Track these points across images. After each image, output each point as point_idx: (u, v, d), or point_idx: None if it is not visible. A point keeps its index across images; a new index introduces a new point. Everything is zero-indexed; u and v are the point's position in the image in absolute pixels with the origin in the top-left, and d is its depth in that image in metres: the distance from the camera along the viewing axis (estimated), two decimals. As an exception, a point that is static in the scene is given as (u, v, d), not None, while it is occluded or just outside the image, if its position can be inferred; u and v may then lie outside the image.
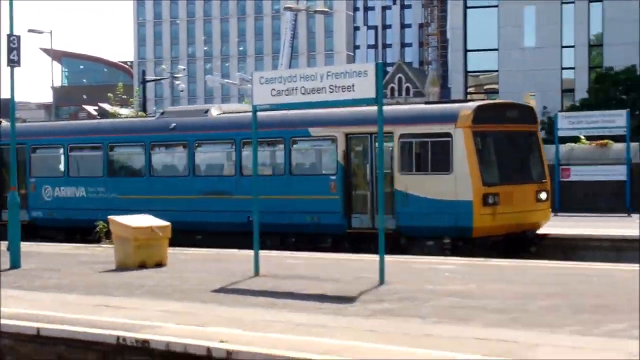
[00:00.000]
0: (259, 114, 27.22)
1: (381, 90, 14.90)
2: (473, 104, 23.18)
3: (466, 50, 76.30)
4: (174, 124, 26.43)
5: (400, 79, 67.35)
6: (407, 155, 22.74)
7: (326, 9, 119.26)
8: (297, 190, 23.72)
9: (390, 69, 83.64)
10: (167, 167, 26.75)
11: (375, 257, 17.18)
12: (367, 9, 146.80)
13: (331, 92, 15.24)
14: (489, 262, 21.09)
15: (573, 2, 74.47)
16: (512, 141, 23.75)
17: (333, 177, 23.20)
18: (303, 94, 15.75)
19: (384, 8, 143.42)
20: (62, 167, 27.82)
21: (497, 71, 73.96)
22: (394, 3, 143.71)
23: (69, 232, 26.83)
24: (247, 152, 24.36)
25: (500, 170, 23.06)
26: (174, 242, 21.99)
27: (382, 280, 15.56)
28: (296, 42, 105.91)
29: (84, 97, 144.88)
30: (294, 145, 24.37)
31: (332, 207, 23.15)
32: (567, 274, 17.82)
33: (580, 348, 9.67)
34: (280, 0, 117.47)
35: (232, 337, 10.46)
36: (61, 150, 28.39)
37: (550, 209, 24.85)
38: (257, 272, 17.58)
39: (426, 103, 26.38)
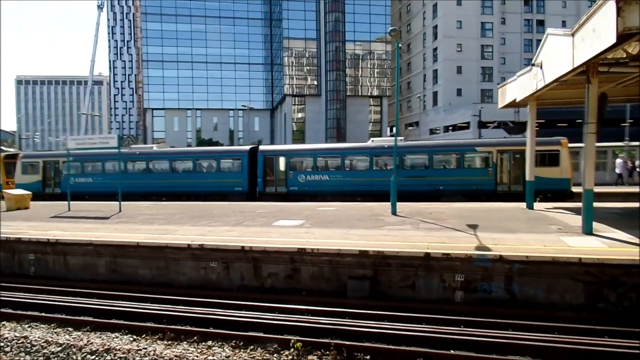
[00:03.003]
0: (446, 141, 27.89)
1: (120, 144, 17.51)
2: (564, 138, 22.66)
3: (153, 130, 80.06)
4: (387, 145, 24.20)
5: (128, 140, 69.47)
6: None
7: (97, 114, 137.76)
8: (465, 174, 22.76)
9: (124, 137, 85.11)
10: (383, 165, 24.16)
11: (146, 203, 18.51)
12: (115, 115, 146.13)
13: (101, 144, 17.63)
14: (166, 203, 22.09)
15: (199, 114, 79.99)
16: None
17: (490, 169, 22.43)
18: (90, 144, 17.97)
19: (123, 116, 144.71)
20: (310, 165, 24.89)
21: (164, 138, 75.55)
22: (127, 113, 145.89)
23: (312, 197, 24.00)
24: (434, 157, 23.42)
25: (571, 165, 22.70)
26: (376, 199, 21.16)
27: (120, 210, 17.32)
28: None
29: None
30: (465, 155, 23.18)
31: (489, 182, 22.39)
32: (197, 205, 18.05)
33: (190, 230, 12.74)
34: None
35: (58, 234, 12.02)
36: (310, 158, 25.22)
37: None
38: (69, 209, 18.31)
39: (540, 138, 23.96)
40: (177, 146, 43.06)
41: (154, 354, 6.75)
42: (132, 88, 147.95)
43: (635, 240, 9.16)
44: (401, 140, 25.61)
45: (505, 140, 23.76)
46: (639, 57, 10.30)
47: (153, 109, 79.25)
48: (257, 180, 25.62)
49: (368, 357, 6.43)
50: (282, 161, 25.56)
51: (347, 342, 6.75)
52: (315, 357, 6.55)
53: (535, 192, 22.06)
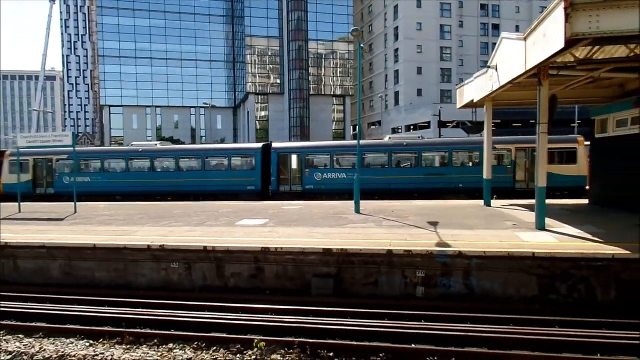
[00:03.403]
0: (465, 139, 26.66)
1: (74, 142, 16.42)
2: (580, 136, 22.35)
3: (111, 128, 76.48)
4: (405, 142, 23.54)
5: (84, 138, 65.17)
6: (550, 156, 19.62)
7: (50, 111, 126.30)
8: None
9: (80, 135, 79.61)
10: (402, 162, 23.25)
11: (103, 204, 17.09)
12: (70, 112, 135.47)
13: (54, 142, 16.66)
14: (125, 203, 21.12)
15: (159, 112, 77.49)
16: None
17: (509, 167, 21.84)
18: (41, 142, 16.86)
19: (78, 113, 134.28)
20: (327, 163, 23.83)
21: (123, 137, 72.53)
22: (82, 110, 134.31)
23: (328, 195, 22.85)
24: (454, 154, 22.87)
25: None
26: (395, 198, 20.17)
27: (75, 211, 16.52)
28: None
29: None
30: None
31: (508, 179, 21.79)
32: (158, 205, 17.46)
33: (150, 231, 12.51)
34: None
35: (8, 237, 11.30)
36: (327, 155, 24.06)
37: None
38: (20, 211, 17.09)
39: (556, 136, 22.14)
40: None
41: (111, 359, 6.54)
42: (88, 84, 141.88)
43: (582, 234, 9.65)
44: (419, 137, 25.28)
45: (524, 138, 23.88)
46: (586, 61, 10.86)
47: (110, 106, 76.52)
48: (270, 179, 24.58)
49: (332, 354, 6.46)
50: (297, 159, 24.60)
51: (311, 340, 6.76)
52: (279, 356, 6.52)
53: (552, 189, 21.09)
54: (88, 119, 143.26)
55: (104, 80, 75.82)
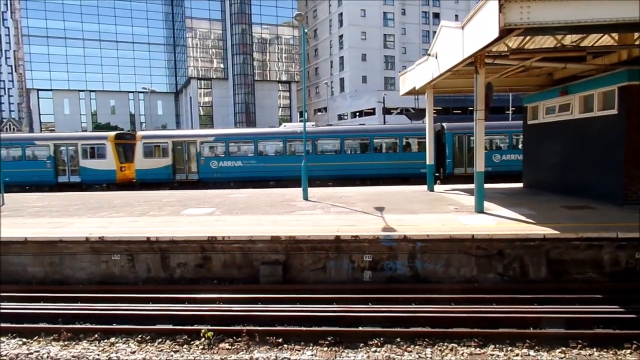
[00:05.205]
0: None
1: None
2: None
3: (40, 114, 70.48)
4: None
5: (9, 124, 59.86)
6: None
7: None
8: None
9: (4, 120, 72.32)
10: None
11: (35, 195, 15.98)
12: None
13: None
14: (59, 194, 19.63)
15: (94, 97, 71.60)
16: None
17: None
18: None
19: (1, 97, 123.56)
20: (506, 144, 23.10)
21: (54, 122, 67.67)
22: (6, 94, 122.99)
23: (505, 178, 21.82)
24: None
25: None
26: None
27: (2, 203, 15.10)
28: None
29: None
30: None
31: None
32: (97, 195, 16.38)
33: (89, 222, 11.90)
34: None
35: None
36: (505, 135, 23.08)
37: None
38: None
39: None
40: (68, 132, 39.30)
41: (48, 357, 6.23)
42: (11, 65, 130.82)
43: (517, 216, 10.28)
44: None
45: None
46: (518, 50, 11.45)
47: (38, 90, 71.45)
48: (445, 161, 23.51)
49: (280, 339, 6.53)
50: (473, 140, 23.80)
51: (260, 328, 6.78)
52: (227, 344, 6.49)
53: None
54: (12, 103, 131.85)
55: (30, 62, 70.55)
